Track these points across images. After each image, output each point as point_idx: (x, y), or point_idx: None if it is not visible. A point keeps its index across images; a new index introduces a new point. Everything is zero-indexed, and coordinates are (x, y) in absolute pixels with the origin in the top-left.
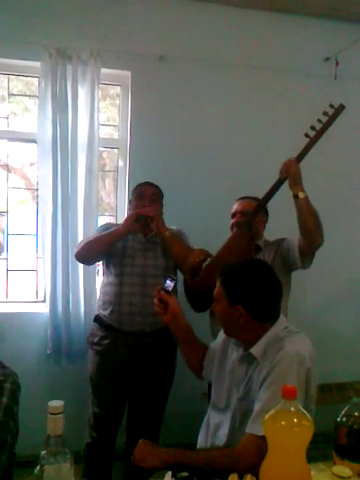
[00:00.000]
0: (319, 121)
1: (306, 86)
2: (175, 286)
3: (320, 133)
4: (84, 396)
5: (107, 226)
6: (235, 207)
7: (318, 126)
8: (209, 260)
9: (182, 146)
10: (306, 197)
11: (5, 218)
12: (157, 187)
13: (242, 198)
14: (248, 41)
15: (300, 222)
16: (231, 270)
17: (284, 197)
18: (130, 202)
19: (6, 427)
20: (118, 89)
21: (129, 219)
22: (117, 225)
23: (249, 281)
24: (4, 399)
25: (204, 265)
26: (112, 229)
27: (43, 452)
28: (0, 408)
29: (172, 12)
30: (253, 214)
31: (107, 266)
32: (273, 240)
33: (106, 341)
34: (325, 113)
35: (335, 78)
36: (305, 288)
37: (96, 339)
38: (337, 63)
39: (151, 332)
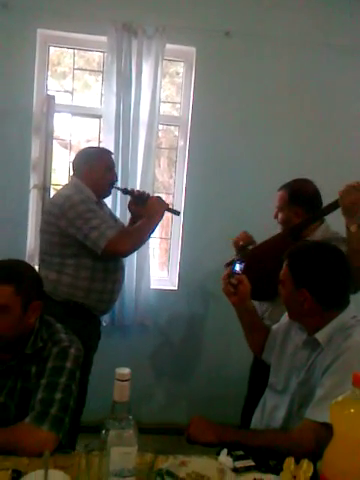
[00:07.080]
0: None
1: None
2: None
3: None
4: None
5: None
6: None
7: None
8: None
9: (245, 126)
10: (357, 231)
11: None
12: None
13: (280, 188)
14: (318, 18)
15: (348, 252)
16: (299, 252)
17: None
18: None
19: (69, 390)
20: (178, 67)
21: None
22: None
23: (317, 264)
24: (68, 364)
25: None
26: (148, 221)
27: (108, 418)
28: (64, 372)
29: None
30: (304, 224)
31: None
32: None
33: None
34: None
35: None
36: None
37: None
38: None
39: None
